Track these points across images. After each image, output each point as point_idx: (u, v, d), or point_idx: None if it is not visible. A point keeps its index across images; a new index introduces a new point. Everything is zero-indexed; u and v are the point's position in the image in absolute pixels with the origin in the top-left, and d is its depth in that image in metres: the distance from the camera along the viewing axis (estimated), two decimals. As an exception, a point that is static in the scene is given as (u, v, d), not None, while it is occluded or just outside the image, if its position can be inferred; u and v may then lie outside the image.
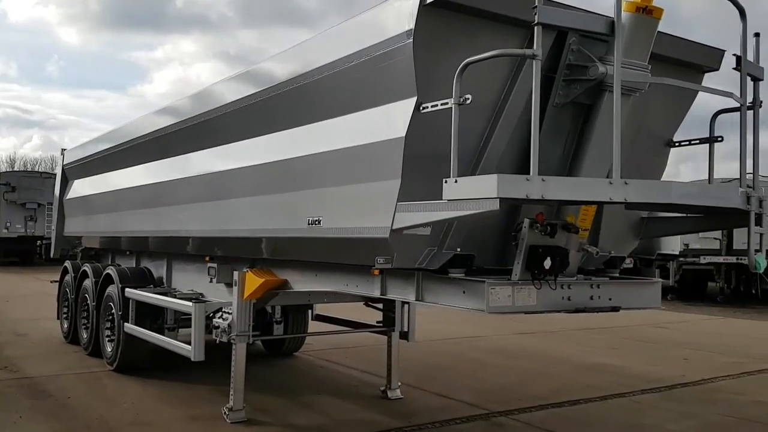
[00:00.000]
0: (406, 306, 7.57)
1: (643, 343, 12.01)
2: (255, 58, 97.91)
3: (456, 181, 3.60)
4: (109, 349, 8.81)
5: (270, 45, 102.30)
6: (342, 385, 8.22)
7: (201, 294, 7.76)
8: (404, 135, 3.99)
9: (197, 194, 7.00)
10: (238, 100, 6.11)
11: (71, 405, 7.07)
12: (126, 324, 8.27)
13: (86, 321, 9.94)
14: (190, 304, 6.67)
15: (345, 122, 4.60)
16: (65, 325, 10.98)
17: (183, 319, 8.31)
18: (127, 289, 8.33)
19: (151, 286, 8.59)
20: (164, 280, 8.73)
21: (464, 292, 4.23)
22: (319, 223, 4.88)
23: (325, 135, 4.81)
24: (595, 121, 4.26)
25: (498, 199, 3.29)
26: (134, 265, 9.63)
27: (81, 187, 10.97)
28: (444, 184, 3.67)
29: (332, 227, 4.77)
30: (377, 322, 7.69)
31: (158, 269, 8.93)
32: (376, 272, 4.72)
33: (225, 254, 7.02)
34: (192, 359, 6.54)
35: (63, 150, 11.74)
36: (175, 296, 7.75)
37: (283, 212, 5.48)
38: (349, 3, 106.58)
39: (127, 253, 9.64)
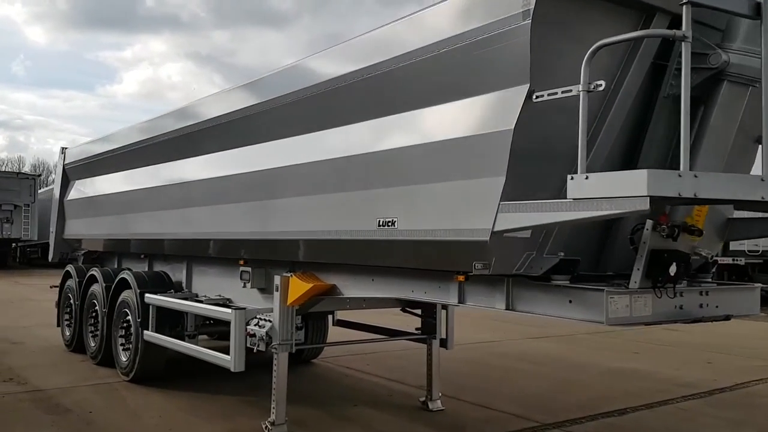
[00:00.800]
0: (443, 312, 7.24)
1: (661, 347, 11.78)
2: (226, 60, 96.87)
3: (587, 178, 3.24)
4: (124, 359, 8.33)
5: (242, 46, 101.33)
6: (376, 396, 7.84)
7: (229, 299, 7.34)
8: (513, 127, 3.63)
9: (234, 194, 6.58)
10: (291, 93, 5.67)
11: (95, 421, 6.59)
12: (146, 332, 7.81)
13: (94, 328, 9.44)
14: (228, 311, 6.24)
15: (435, 113, 4.22)
16: (67, 333, 10.45)
17: (202, 326, 7.96)
18: (147, 295, 7.86)
19: (172, 291, 8.13)
20: (183, 285, 8.27)
21: (571, 302, 3.88)
22: (394, 224, 4.50)
23: (407, 128, 4.42)
24: (711, 113, 3.94)
25: (648, 199, 2.94)
26: (147, 269, 9.16)
27: (85, 188, 10.46)
28: (570, 181, 3.30)
29: (411, 229, 4.39)
30: (416, 329, 7.33)
31: (176, 273, 8.47)
32: (461, 278, 4.36)
33: (262, 257, 6.60)
34: (232, 370, 6.12)
35: (63, 149, 11.19)
36: (201, 302, 7.30)
37: (344, 213, 5.09)
38: (322, 4, 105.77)
39: (142, 256, 9.15)
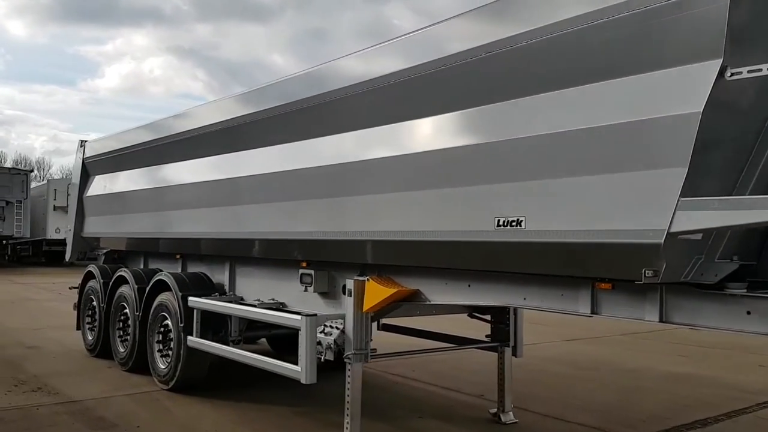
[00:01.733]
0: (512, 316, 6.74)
1: (703, 348, 11.37)
2: (209, 54, 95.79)
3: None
4: (163, 366, 7.77)
5: (225, 40, 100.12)
6: (436, 406, 7.33)
7: (282, 304, 6.79)
8: (701, 109, 3.12)
9: (297, 191, 6.03)
10: (390, 74, 5.07)
11: (146, 436, 6.05)
12: (190, 338, 7.25)
13: (123, 333, 8.86)
14: (297, 317, 5.69)
15: (588, 94, 3.67)
16: (89, 337, 9.86)
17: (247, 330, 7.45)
18: (190, 298, 7.30)
19: (216, 294, 7.57)
20: (226, 287, 7.71)
21: (749, 313, 3.39)
22: (520, 224, 3.99)
23: (548, 113, 3.88)
24: None
25: None
26: (181, 270, 8.59)
27: (109, 183, 9.85)
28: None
29: (544, 230, 3.88)
30: (486, 336, 6.82)
31: (216, 275, 7.92)
32: (605, 286, 3.86)
33: (326, 259, 6.07)
34: (303, 382, 5.57)
35: (82, 141, 10.56)
36: (254, 306, 6.75)
37: (446, 211, 4.57)
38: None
39: (177, 257, 8.56)
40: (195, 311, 7.26)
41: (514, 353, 6.80)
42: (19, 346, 10.51)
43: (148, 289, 8.17)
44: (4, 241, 35.08)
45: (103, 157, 9.89)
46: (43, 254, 36.71)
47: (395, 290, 5.32)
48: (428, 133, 4.71)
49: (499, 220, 4.13)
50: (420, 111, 4.78)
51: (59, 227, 34.09)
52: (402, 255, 5.20)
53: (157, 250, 9.02)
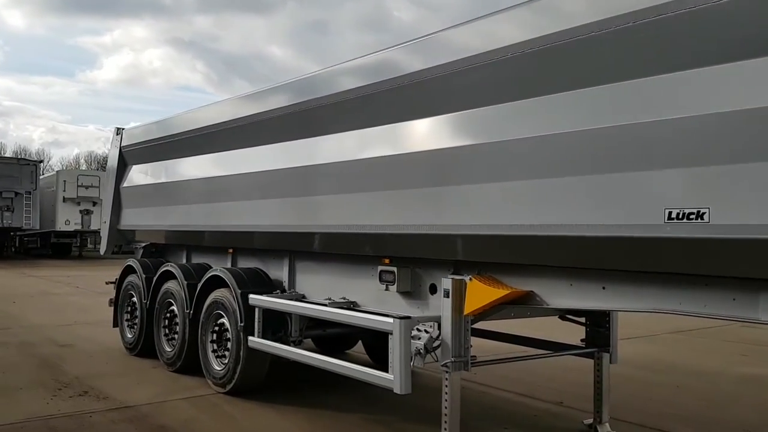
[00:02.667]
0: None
1: (760, 347, 10.83)
2: (209, 45, 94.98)
3: None
4: (219, 368, 7.24)
5: (225, 32, 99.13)
6: (520, 416, 6.80)
7: (353, 303, 6.25)
8: None
9: (384, 181, 5.48)
10: (488, 52, 4.57)
11: (219, 448, 5.52)
12: (251, 338, 6.73)
13: (169, 331, 8.33)
14: (389, 320, 5.15)
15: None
16: (129, 335, 9.32)
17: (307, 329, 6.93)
18: (251, 296, 6.76)
19: (278, 291, 7.03)
20: (285, 284, 7.16)
21: None
22: (701, 217, 3.44)
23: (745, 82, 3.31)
24: None
25: None
26: (230, 265, 8.05)
27: (150, 173, 9.30)
28: None
29: (738, 224, 3.32)
30: (581, 340, 6.27)
31: (273, 270, 7.37)
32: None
33: (411, 255, 5.50)
34: (397, 391, 5.04)
35: (118, 129, 9.99)
36: (326, 306, 6.21)
37: (590, 201, 4.02)
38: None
39: (229, 251, 8.01)
40: (257, 310, 6.73)
41: (609, 359, 6.26)
42: (52, 344, 9.98)
43: (200, 285, 7.63)
44: (12, 233, 34.53)
45: (143, 145, 9.32)
46: (50, 246, 36.23)
47: (507, 291, 4.77)
48: (574, 110, 4.12)
49: (672, 212, 3.58)
50: (560, 84, 4.19)
51: (69, 219, 33.64)
52: (516, 252, 4.64)
53: (203, 243, 8.47)
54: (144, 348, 8.93)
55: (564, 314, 6.13)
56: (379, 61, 5.66)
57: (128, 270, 9.44)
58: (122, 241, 10.17)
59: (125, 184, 9.80)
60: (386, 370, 5.14)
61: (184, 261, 9.06)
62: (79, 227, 34.47)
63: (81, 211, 34.19)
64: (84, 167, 65.00)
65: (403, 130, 5.34)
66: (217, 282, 7.41)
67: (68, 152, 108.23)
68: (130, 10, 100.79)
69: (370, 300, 6.11)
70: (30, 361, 8.76)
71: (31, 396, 7.03)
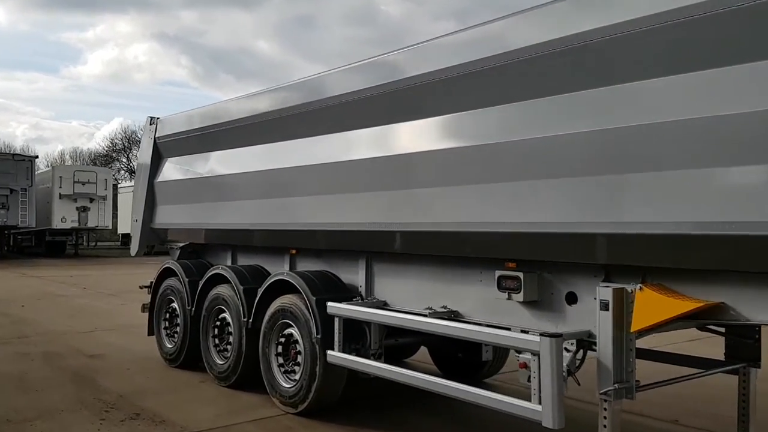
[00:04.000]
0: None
1: None
2: (194, 40, 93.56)
3: None
4: (288, 385, 6.42)
5: (211, 26, 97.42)
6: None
7: (454, 313, 5.44)
8: None
9: (519, 171, 4.67)
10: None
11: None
12: (331, 352, 5.92)
13: (220, 341, 7.51)
14: (534, 338, 4.34)
15: None
16: (168, 345, 8.48)
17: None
18: (330, 304, 5.95)
19: (358, 298, 6.22)
20: (361, 290, 6.34)
21: None
22: None
23: None
24: None
25: None
26: (288, 268, 7.24)
27: (190, 167, 8.44)
28: None
29: None
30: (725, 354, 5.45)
31: (346, 274, 6.54)
32: None
33: (557, 258, 4.67)
34: (547, 425, 4.23)
35: (152, 118, 9.10)
36: (424, 316, 5.40)
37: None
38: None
39: (291, 251, 7.17)
40: (337, 320, 5.92)
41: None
42: (80, 355, 9.11)
43: (261, 291, 6.80)
44: (6, 232, 33.43)
45: (183, 136, 8.44)
46: (45, 245, 35.18)
47: (698, 304, 3.94)
48: None
49: None
50: None
51: (65, 216, 32.63)
52: (704, 255, 3.82)
53: (254, 243, 7.62)
54: (187, 359, 8.11)
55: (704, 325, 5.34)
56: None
57: (167, 273, 8.59)
58: (155, 241, 9.30)
59: (160, 179, 8.93)
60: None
61: (230, 262, 8.21)
62: (75, 225, 33.45)
63: (78, 208, 33.17)
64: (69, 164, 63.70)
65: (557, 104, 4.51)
66: (282, 287, 6.60)
67: (52, 149, 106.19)
68: (115, 4, 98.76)
69: (476, 310, 5.30)
70: (62, 375, 7.89)
71: (76, 420, 6.19)
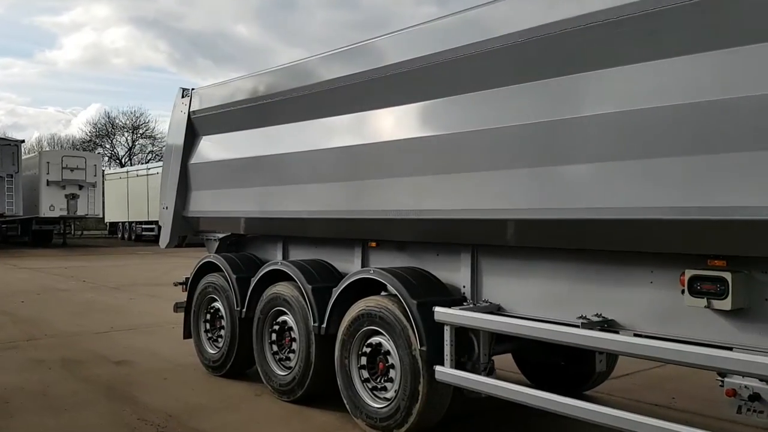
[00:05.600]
0: None
1: None
2: (173, 24, 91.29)
3: None
4: (379, 406, 5.37)
5: (191, 10, 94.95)
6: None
7: (610, 322, 4.40)
8: None
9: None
10: None
11: None
12: (439, 368, 4.89)
13: (279, 349, 6.44)
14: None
15: None
16: (211, 350, 7.40)
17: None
18: (438, 309, 4.91)
19: (466, 302, 5.18)
20: (464, 291, 5.29)
21: None
22: None
23: None
24: None
25: None
26: (361, 263, 6.19)
27: (234, 145, 7.33)
28: None
29: None
30: None
31: (444, 272, 5.49)
32: None
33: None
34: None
35: (184, 90, 7.95)
36: (576, 327, 4.36)
37: None
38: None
39: (372, 244, 6.08)
40: (447, 329, 4.87)
41: None
42: (105, 362, 8.00)
43: (338, 292, 5.74)
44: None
45: (227, 109, 7.29)
46: (32, 234, 33.81)
47: None
48: None
49: None
50: None
51: (53, 204, 31.30)
52: None
53: (314, 234, 6.56)
54: (235, 367, 7.05)
55: None
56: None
57: (207, 268, 7.48)
58: (188, 231, 8.15)
59: (195, 160, 7.80)
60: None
61: (281, 256, 7.13)
62: (64, 213, 32.10)
63: (66, 196, 31.81)
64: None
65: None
66: (363, 287, 5.55)
67: (28, 135, 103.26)
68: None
69: (644, 319, 4.25)
70: (91, 389, 6.78)
71: (126, 451, 5.10)
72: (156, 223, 35.35)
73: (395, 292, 5.22)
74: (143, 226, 37.23)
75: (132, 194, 38.01)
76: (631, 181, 4.00)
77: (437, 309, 4.92)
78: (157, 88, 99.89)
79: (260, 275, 6.63)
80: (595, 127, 4.16)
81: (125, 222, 39.92)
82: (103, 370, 7.53)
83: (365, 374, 5.52)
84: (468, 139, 4.92)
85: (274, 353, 6.48)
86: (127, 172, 40.74)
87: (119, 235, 41.51)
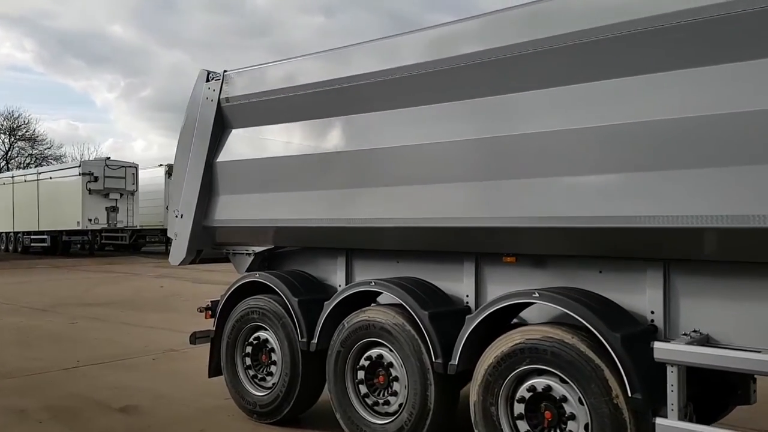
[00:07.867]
0: None
1: None
2: (43, 23, 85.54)
3: None
4: (551, 465, 4.20)
5: (65, 8, 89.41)
6: None
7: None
8: None
9: None
10: None
11: None
12: (661, 421, 3.80)
13: (371, 391, 5.14)
14: None
15: None
16: (256, 392, 5.99)
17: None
18: (660, 345, 3.83)
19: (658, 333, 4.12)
20: (654, 318, 4.23)
21: None
22: None
23: None
24: None
25: None
26: (475, 284, 5.03)
27: (280, 140, 5.96)
28: None
29: None
30: None
31: (613, 292, 4.42)
32: None
33: None
34: None
35: (210, 73, 6.46)
36: None
37: None
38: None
39: (508, 260, 4.88)
40: (673, 370, 3.80)
41: None
42: (104, 410, 6.50)
43: (477, 323, 4.53)
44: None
45: (281, 95, 5.88)
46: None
47: None
48: None
49: None
50: None
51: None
52: None
53: (392, 247, 5.35)
54: (293, 412, 5.69)
55: None
56: None
57: (246, 289, 6.07)
58: (207, 244, 6.63)
59: (224, 158, 6.35)
60: None
61: (344, 274, 5.84)
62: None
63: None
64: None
65: None
66: (504, 313, 4.41)
67: None
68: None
69: None
70: None
71: None
72: (47, 233, 32.44)
73: (586, 322, 4.07)
74: (32, 236, 33.97)
75: (19, 202, 34.62)
76: None
77: (657, 345, 3.83)
78: (21, 90, 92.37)
79: (340, 298, 5.32)
80: None
81: (10, 232, 36.31)
82: (110, 422, 5.98)
83: (525, 426, 4.34)
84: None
85: (364, 396, 5.18)
86: (13, 177, 37.15)
87: (2, 247, 37.71)
